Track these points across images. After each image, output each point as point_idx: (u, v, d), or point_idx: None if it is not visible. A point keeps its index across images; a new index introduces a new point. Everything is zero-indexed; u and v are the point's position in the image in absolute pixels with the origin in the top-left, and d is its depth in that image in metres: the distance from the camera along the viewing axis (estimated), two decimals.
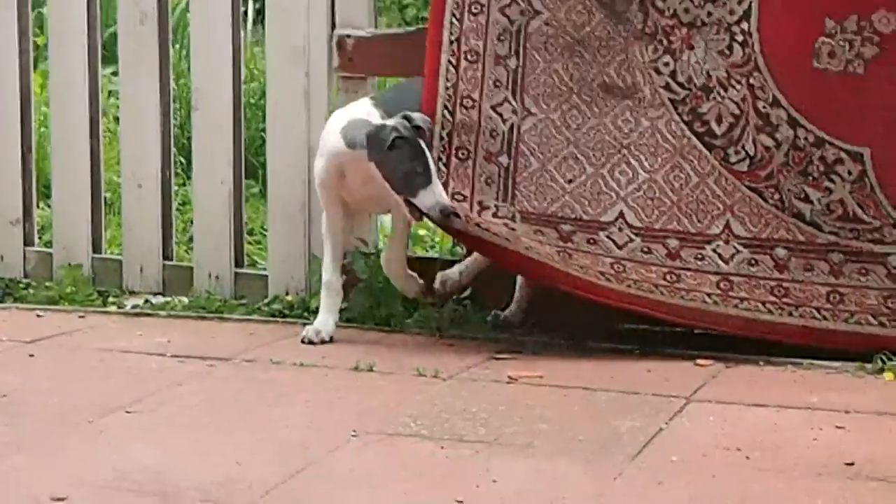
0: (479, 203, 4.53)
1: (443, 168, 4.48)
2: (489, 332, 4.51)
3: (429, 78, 4.57)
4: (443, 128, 4.54)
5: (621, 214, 4.44)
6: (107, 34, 6.80)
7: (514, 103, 4.53)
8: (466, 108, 4.56)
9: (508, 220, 4.50)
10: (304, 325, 4.48)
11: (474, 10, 4.57)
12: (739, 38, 4.36)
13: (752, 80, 4.36)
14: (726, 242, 4.34)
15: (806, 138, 4.33)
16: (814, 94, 4.31)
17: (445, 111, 4.55)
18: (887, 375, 4.04)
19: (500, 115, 4.55)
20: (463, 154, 4.55)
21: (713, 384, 3.98)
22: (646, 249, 4.42)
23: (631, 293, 4.35)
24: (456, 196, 4.51)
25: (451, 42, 4.58)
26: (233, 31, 4.95)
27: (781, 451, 3.38)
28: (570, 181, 4.49)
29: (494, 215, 4.51)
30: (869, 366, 4.09)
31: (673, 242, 4.31)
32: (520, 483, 3.16)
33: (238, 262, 5.00)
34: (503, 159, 4.54)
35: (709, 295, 4.32)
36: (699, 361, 4.17)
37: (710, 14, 4.37)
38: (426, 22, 4.68)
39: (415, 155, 4.22)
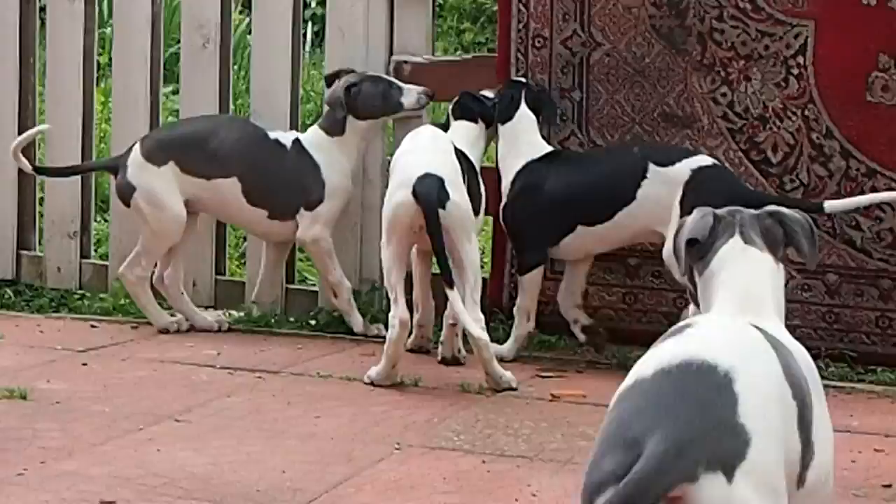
0: None
1: None
2: (534, 350, 4.56)
3: None
4: None
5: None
6: (167, 54, 6.91)
7: (580, 136, 4.59)
8: None
9: None
10: (350, 340, 4.55)
11: (538, 44, 4.62)
12: (795, 70, 4.40)
13: (806, 112, 4.40)
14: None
15: (858, 169, 4.37)
16: (866, 126, 4.35)
17: None
18: None
19: (568, 148, 4.60)
20: None
21: None
22: None
23: None
24: None
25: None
26: (292, 54, 5.02)
27: None
28: None
29: None
30: None
31: None
32: (559, 497, 3.19)
33: (289, 279, 5.06)
34: None
35: None
36: None
37: (766, 47, 4.41)
38: (482, 47, 4.74)
39: None
